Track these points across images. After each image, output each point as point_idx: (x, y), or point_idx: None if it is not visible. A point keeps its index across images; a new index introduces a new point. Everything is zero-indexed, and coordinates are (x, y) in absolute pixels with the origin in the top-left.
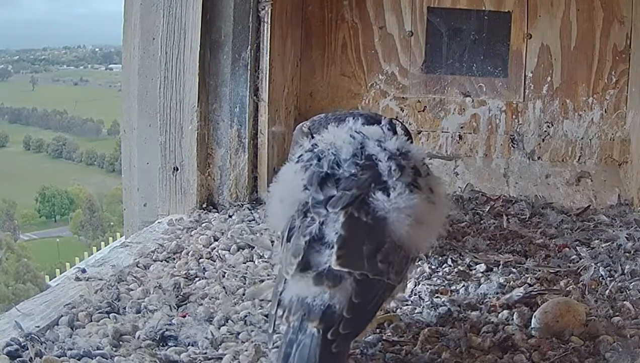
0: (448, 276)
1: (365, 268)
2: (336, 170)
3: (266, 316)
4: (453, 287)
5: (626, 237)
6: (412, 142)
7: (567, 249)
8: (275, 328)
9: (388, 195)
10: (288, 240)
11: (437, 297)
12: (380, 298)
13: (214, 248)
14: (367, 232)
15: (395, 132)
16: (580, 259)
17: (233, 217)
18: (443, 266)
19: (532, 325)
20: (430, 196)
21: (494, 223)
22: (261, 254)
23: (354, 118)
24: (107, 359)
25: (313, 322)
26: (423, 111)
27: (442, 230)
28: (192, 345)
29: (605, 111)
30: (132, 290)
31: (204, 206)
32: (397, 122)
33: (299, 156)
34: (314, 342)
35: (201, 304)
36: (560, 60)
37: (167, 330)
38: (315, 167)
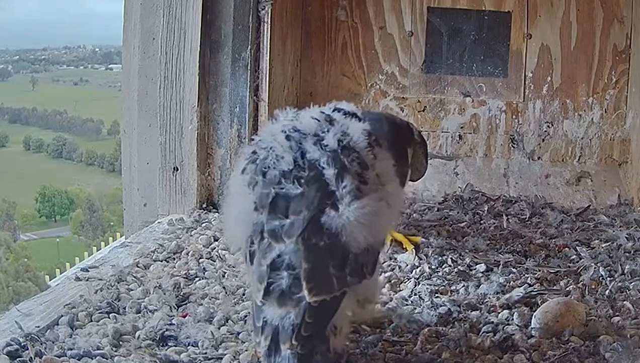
0: (448, 276)
1: (338, 288)
2: (283, 187)
3: None
4: (453, 287)
5: (626, 237)
6: (426, 152)
7: (567, 249)
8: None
9: (338, 209)
10: (251, 263)
11: (437, 297)
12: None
13: (214, 248)
14: (328, 254)
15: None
16: (580, 259)
17: None
18: (443, 266)
19: (532, 325)
20: (379, 186)
21: (494, 223)
22: None
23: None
24: (107, 359)
25: (285, 344)
26: (423, 111)
27: (403, 207)
28: (192, 345)
29: (605, 111)
30: (132, 290)
31: (204, 206)
32: (414, 127)
33: (243, 168)
34: None
35: (201, 304)
36: (560, 60)
37: (167, 330)
38: (262, 186)
